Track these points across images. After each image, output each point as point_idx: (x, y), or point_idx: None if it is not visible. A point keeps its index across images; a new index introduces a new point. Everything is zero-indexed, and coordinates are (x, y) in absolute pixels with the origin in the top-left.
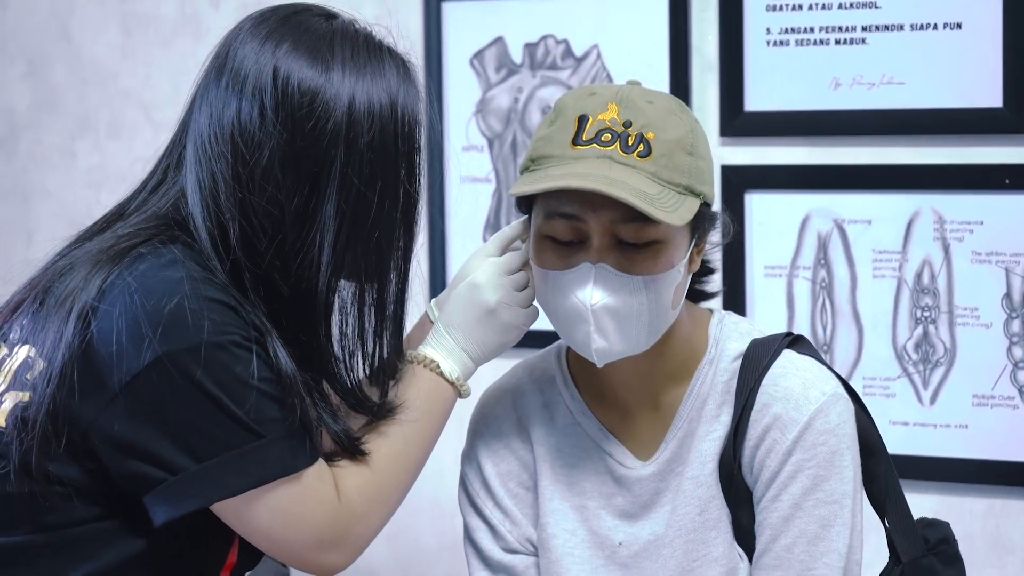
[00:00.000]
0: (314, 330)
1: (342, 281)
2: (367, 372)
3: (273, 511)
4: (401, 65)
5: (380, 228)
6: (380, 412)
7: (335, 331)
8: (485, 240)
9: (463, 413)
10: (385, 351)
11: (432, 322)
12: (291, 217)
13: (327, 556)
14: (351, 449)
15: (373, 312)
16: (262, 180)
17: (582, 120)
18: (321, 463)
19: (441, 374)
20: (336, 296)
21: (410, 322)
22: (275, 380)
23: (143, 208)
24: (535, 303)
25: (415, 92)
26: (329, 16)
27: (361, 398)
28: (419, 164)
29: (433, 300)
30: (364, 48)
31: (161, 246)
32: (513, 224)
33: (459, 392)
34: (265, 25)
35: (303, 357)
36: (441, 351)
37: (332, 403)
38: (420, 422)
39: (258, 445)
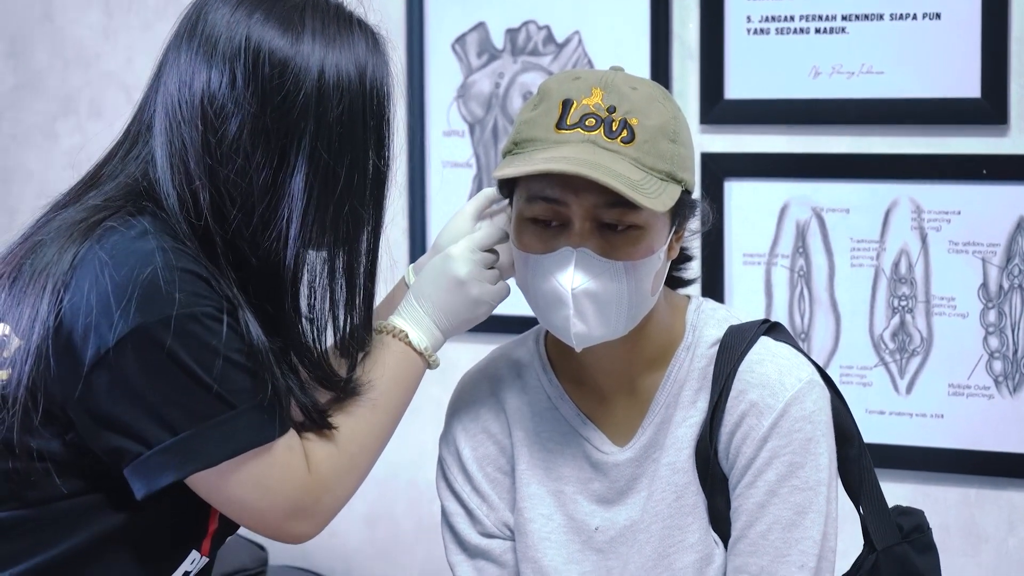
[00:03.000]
0: (280, 302)
1: (312, 254)
2: (336, 345)
3: (245, 482)
4: (371, 37)
5: (349, 201)
6: (347, 388)
7: (303, 304)
8: None
9: (442, 397)
10: (355, 324)
11: (407, 285)
12: (259, 189)
13: (297, 525)
14: (319, 423)
15: (343, 285)
16: (231, 151)
17: (566, 104)
18: (292, 434)
19: (410, 344)
20: (305, 269)
21: (387, 289)
22: (246, 351)
23: (115, 175)
24: (510, 283)
25: (385, 64)
26: None
27: (328, 372)
28: (389, 138)
29: (411, 265)
30: (335, 20)
31: (130, 217)
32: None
33: (428, 363)
34: None
35: (271, 329)
36: (411, 321)
37: (301, 376)
38: (388, 391)
39: (231, 415)
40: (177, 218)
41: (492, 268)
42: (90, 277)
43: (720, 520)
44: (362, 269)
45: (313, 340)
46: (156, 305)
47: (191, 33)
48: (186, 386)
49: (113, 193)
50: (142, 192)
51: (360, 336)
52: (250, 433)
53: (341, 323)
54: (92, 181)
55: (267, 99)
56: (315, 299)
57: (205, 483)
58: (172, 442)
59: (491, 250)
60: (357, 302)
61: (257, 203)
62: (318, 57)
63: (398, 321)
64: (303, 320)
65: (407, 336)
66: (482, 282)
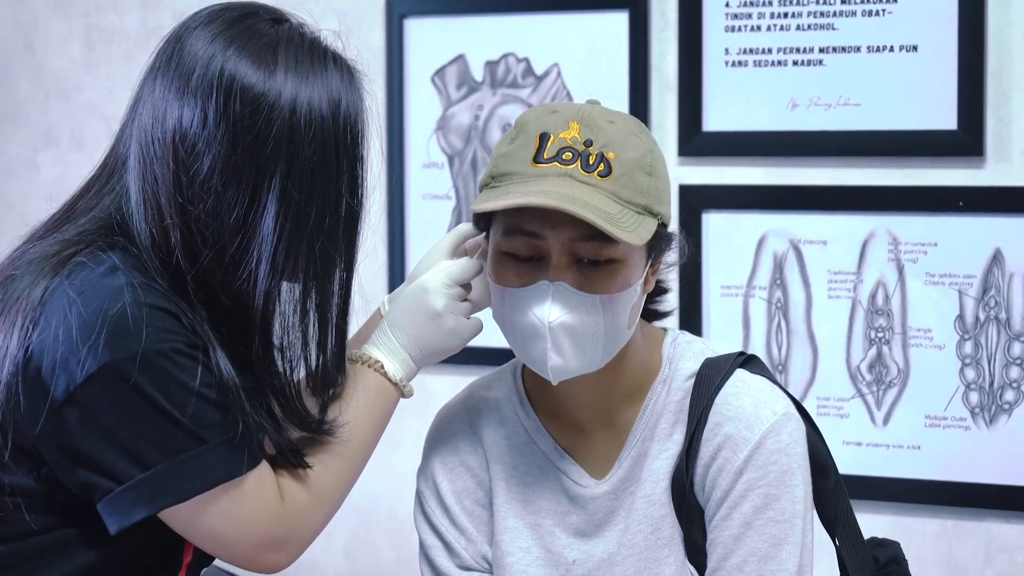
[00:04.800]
0: (250, 341)
1: (284, 293)
2: (309, 384)
3: (217, 515)
4: (346, 73)
5: (320, 241)
6: (320, 429)
7: (276, 343)
8: None
9: (422, 429)
10: (327, 363)
11: (383, 315)
12: (230, 228)
13: (271, 556)
14: (293, 462)
15: (315, 324)
16: (201, 190)
17: (543, 138)
18: (263, 466)
19: (385, 374)
20: (277, 308)
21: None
22: (216, 386)
23: (89, 208)
24: (486, 315)
25: (359, 101)
26: (277, 20)
27: (301, 413)
28: (362, 176)
29: (387, 296)
30: (309, 55)
31: (101, 252)
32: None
33: (402, 392)
34: (216, 25)
35: (243, 367)
36: (386, 351)
37: (275, 414)
38: (362, 421)
39: (202, 450)
40: (149, 254)
41: (465, 301)
42: (59, 314)
43: (696, 552)
44: (334, 308)
45: (285, 380)
46: (124, 341)
47: (167, 64)
48: (155, 421)
49: (87, 227)
50: (115, 227)
51: (332, 375)
52: (220, 468)
53: (313, 362)
54: (68, 214)
55: (239, 137)
56: (287, 338)
57: (177, 517)
58: (142, 477)
59: (465, 285)
60: (329, 341)
61: (228, 243)
62: (290, 93)
63: (373, 351)
64: (275, 359)
65: (382, 367)
66: (457, 315)
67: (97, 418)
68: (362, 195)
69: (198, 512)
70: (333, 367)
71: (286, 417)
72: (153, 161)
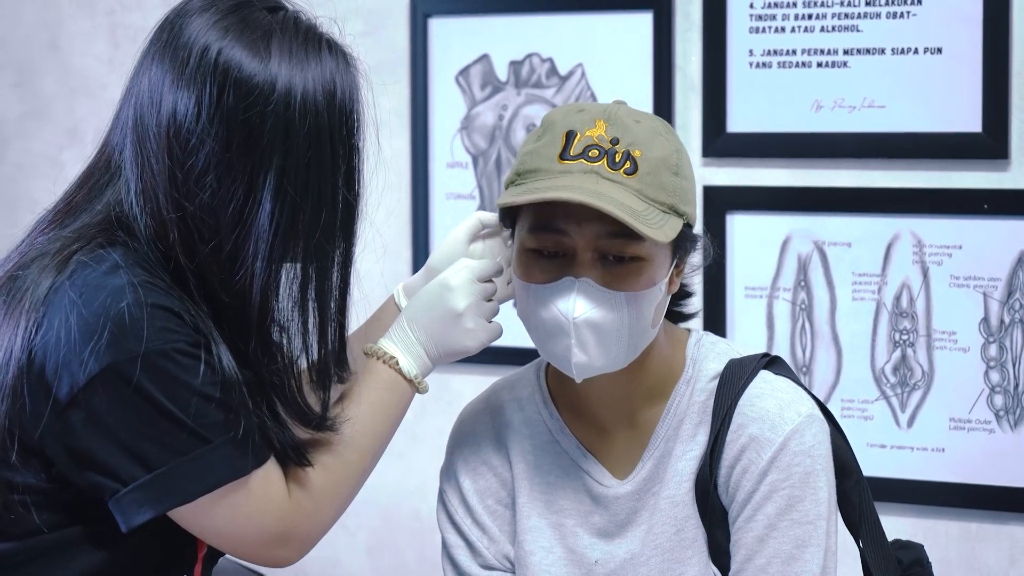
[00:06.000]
0: (249, 338)
1: (283, 289)
2: (311, 378)
3: (224, 514)
4: (341, 59)
5: (317, 236)
6: (323, 425)
7: (275, 339)
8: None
9: (445, 428)
10: (327, 358)
11: (397, 305)
12: (226, 224)
13: (279, 552)
14: (295, 459)
15: (314, 318)
16: (196, 186)
17: (570, 135)
18: (270, 463)
19: (399, 370)
20: (275, 303)
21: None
22: (220, 385)
23: (91, 201)
24: (513, 316)
25: (354, 89)
26: (273, 8)
27: (303, 409)
28: (359, 168)
29: (401, 285)
30: (303, 43)
31: (101, 249)
32: (491, 214)
33: (417, 388)
34: (212, 12)
35: (243, 364)
36: (401, 347)
37: (277, 411)
38: (374, 417)
39: (206, 450)
40: (151, 247)
41: (491, 300)
42: (60, 314)
43: (720, 553)
44: (333, 302)
45: (285, 376)
46: (126, 343)
47: (162, 51)
48: (159, 422)
49: (87, 222)
50: (115, 221)
51: (334, 369)
52: (225, 467)
53: (313, 357)
54: (68, 207)
55: (233, 133)
56: (286, 333)
57: (184, 516)
58: (147, 479)
59: (489, 280)
60: (329, 335)
61: (224, 239)
62: (285, 83)
63: (388, 346)
64: (274, 356)
65: (397, 363)
66: (478, 316)
67: (100, 420)
68: (359, 187)
69: (205, 511)
70: (333, 361)
71: (287, 413)
72: (150, 155)
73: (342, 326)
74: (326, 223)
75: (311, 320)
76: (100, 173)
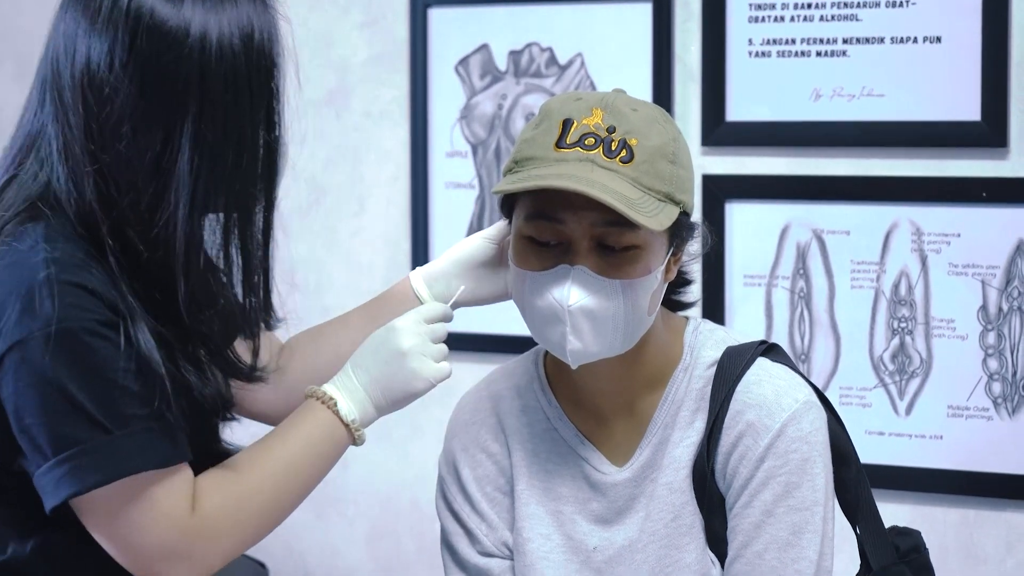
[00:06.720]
0: (174, 291)
1: (207, 237)
2: (239, 327)
3: (125, 517)
4: (259, 3)
5: (239, 181)
6: (252, 376)
7: (202, 289)
8: None
9: (444, 417)
10: (254, 305)
11: (415, 292)
12: (144, 173)
13: (171, 568)
14: (221, 413)
15: (239, 266)
16: (112, 137)
17: (567, 124)
18: (180, 475)
19: (337, 413)
20: (200, 253)
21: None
22: (133, 370)
23: (20, 165)
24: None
25: (273, 29)
26: None
27: (232, 360)
28: (278, 112)
29: (415, 270)
30: None
31: (23, 226)
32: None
33: (353, 438)
34: None
35: (168, 319)
36: (343, 390)
37: (202, 362)
38: (302, 456)
39: (108, 440)
40: (77, 220)
41: (441, 343)
42: None
43: (717, 540)
44: (258, 248)
45: (213, 327)
46: (34, 321)
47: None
48: (61, 407)
49: (13, 197)
50: (44, 190)
51: (261, 317)
52: (130, 458)
53: (241, 303)
54: (6, 174)
55: (147, 79)
56: (214, 281)
57: (84, 511)
58: (48, 465)
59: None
60: (255, 281)
61: (143, 188)
62: (200, 26)
63: (330, 388)
64: (201, 306)
65: (336, 404)
66: (424, 357)
67: (10, 401)
68: (279, 130)
69: (105, 509)
70: (260, 308)
71: (215, 365)
72: (68, 110)
73: (267, 271)
74: (247, 168)
75: (236, 265)
76: (26, 137)
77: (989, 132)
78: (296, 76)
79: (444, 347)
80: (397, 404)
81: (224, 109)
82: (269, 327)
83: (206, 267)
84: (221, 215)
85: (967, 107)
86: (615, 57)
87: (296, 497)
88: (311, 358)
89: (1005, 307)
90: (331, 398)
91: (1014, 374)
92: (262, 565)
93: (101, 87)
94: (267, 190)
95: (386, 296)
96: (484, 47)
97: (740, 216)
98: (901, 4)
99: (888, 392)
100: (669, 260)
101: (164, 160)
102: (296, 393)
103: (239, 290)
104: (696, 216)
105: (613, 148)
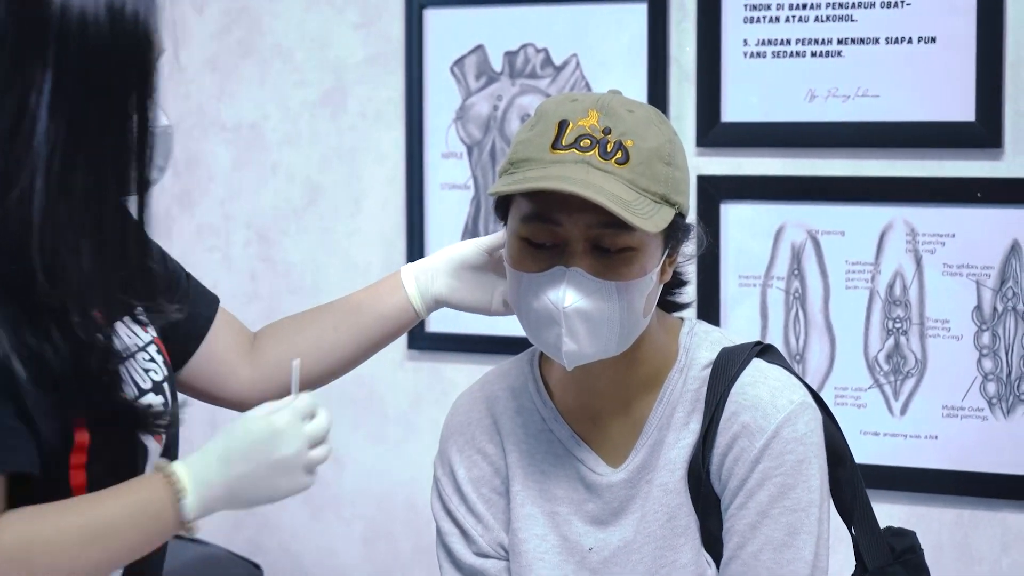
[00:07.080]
0: (31, 275)
1: (75, 212)
2: (105, 316)
3: None
4: None
5: (106, 156)
6: (109, 359)
7: (71, 272)
8: None
9: (440, 417)
10: (123, 285)
11: (405, 290)
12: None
13: None
14: (101, 363)
15: (110, 241)
16: None
17: (562, 125)
18: None
19: (178, 506)
20: (63, 235)
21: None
22: None
23: None
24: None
25: (148, 5)
26: None
27: (86, 339)
28: (149, 84)
29: (409, 264)
30: None
31: None
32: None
33: (183, 527)
34: None
35: (21, 296)
36: (196, 484)
37: (53, 337)
38: (121, 528)
39: None
40: None
41: (318, 447)
42: None
43: (712, 541)
44: (130, 224)
45: (68, 301)
46: None
47: None
48: None
49: None
50: None
51: (130, 299)
52: None
53: (110, 291)
54: None
55: (4, 44)
56: (77, 258)
57: None
58: None
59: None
60: (129, 256)
61: None
62: None
63: (183, 475)
64: (56, 281)
65: (183, 497)
66: (297, 471)
67: None
68: (149, 103)
69: None
70: (135, 290)
71: (66, 339)
72: None
73: (143, 244)
74: (116, 143)
75: (107, 243)
76: None
77: (984, 133)
78: (175, 52)
79: (323, 450)
80: (245, 507)
81: (85, 81)
82: (150, 310)
83: (71, 244)
84: (82, 189)
85: (962, 108)
86: (610, 58)
87: (96, 565)
88: (291, 337)
89: (1000, 307)
90: (181, 488)
91: (1008, 374)
92: (257, 566)
93: None
94: (139, 165)
95: (374, 288)
96: (479, 48)
97: (735, 216)
98: (896, 5)
99: (883, 392)
100: (664, 261)
101: (21, 128)
102: (274, 376)
103: (111, 266)
104: (691, 217)
105: (609, 150)
